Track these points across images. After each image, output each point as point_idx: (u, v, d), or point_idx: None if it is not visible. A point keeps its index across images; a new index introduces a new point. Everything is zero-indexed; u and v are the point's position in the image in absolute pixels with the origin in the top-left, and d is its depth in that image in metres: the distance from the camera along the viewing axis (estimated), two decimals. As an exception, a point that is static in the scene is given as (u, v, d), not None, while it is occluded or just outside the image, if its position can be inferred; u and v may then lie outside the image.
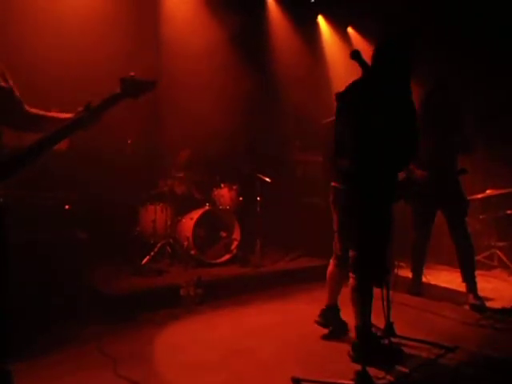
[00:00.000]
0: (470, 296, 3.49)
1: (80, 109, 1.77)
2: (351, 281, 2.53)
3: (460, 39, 4.98)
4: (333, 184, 2.75)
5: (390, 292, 2.50)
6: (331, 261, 2.88)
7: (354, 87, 2.50)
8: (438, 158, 3.60)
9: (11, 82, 1.76)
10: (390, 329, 2.62)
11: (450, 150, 3.64)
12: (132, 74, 1.83)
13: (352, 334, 2.60)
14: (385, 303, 2.47)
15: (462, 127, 3.66)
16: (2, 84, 1.71)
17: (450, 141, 3.62)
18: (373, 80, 2.35)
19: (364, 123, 2.33)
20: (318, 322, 2.88)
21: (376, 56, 2.51)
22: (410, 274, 3.95)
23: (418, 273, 3.87)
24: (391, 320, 2.57)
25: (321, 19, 6.41)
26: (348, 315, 2.67)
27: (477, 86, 5.12)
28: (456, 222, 3.62)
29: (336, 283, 2.87)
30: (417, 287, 3.85)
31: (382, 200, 2.46)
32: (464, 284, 3.58)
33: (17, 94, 1.78)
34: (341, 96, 2.58)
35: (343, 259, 2.75)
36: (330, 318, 2.88)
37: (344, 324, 2.90)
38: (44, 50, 4.06)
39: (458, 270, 3.62)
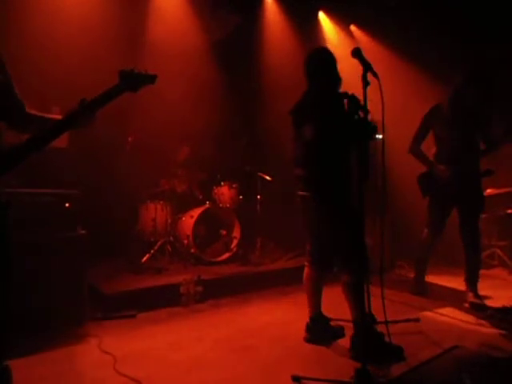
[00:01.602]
0: (470, 294, 3.48)
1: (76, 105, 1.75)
2: (344, 277, 2.52)
3: (465, 26, 4.88)
4: (298, 192, 2.75)
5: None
6: (306, 263, 2.82)
7: (300, 104, 2.72)
8: (463, 154, 3.49)
9: (9, 77, 1.74)
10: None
11: (475, 146, 3.54)
12: (131, 67, 1.82)
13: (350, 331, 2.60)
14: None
15: (487, 125, 3.54)
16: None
17: (475, 137, 3.53)
18: (312, 96, 2.64)
19: (313, 132, 2.53)
20: (306, 340, 2.76)
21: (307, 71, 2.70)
22: (410, 273, 3.94)
23: (421, 272, 3.81)
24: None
25: (322, 15, 6.34)
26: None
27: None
28: (470, 219, 3.53)
29: (315, 288, 2.78)
30: (420, 287, 3.79)
31: (341, 196, 2.56)
32: (465, 282, 3.57)
33: (16, 90, 1.76)
34: (294, 112, 2.75)
35: (316, 257, 2.75)
36: (318, 330, 2.77)
37: (339, 330, 2.84)
38: (34, 49, 4.05)
39: (458, 268, 3.61)
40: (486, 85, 3.52)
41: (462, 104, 3.50)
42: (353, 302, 2.50)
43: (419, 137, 3.67)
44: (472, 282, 3.52)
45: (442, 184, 3.53)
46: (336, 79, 2.64)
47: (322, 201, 2.60)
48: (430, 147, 3.72)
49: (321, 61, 2.67)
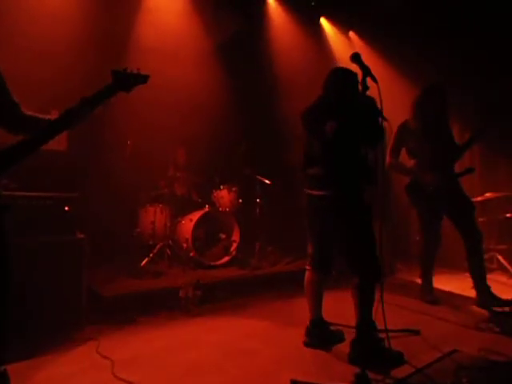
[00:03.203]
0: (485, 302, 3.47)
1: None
2: (355, 280, 2.51)
3: (462, 40, 4.94)
4: (306, 191, 2.73)
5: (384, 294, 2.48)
6: (307, 267, 2.81)
7: (316, 106, 2.72)
8: (439, 163, 3.57)
9: (4, 80, 1.75)
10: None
11: (448, 153, 3.61)
12: (125, 67, 1.84)
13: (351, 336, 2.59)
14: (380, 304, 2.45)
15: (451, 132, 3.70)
16: None
17: (446, 145, 3.61)
18: (329, 98, 2.68)
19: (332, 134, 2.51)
20: (306, 344, 2.74)
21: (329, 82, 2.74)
22: (409, 277, 3.93)
23: (427, 279, 3.77)
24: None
25: (324, 21, 6.36)
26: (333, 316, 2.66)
27: (475, 87, 5.13)
28: (464, 220, 3.55)
29: (316, 292, 2.77)
30: (429, 294, 3.73)
31: (356, 197, 2.56)
32: (473, 290, 3.57)
33: (8, 88, 1.77)
34: (307, 113, 2.74)
35: (318, 261, 2.75)
36: (318, 334, 2.75)
37: (338, 334, 2.81)
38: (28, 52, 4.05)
39: (457, 271, 3.61)
40: (442, 96, 3.62)
41: (425, 117, 3.61)
42: (360, 305, 2.48)
43: (395, 151, 3.72)
44: (481, 288, 3.51)
45: (430, 192, 3.56)
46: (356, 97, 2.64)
47: (340, 199, 2.54)
48: (405, 161, 3.78)
49: (351, 80, 2.67)
